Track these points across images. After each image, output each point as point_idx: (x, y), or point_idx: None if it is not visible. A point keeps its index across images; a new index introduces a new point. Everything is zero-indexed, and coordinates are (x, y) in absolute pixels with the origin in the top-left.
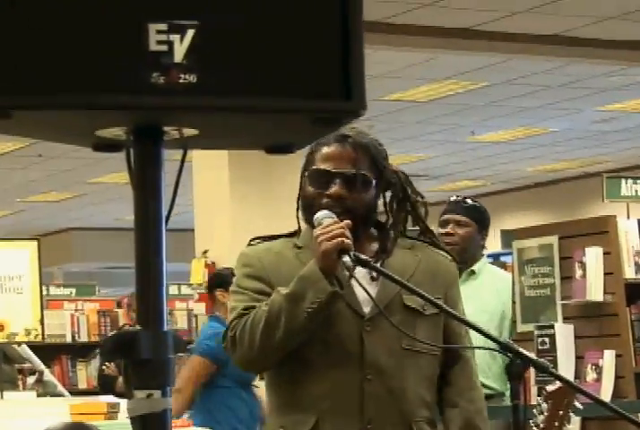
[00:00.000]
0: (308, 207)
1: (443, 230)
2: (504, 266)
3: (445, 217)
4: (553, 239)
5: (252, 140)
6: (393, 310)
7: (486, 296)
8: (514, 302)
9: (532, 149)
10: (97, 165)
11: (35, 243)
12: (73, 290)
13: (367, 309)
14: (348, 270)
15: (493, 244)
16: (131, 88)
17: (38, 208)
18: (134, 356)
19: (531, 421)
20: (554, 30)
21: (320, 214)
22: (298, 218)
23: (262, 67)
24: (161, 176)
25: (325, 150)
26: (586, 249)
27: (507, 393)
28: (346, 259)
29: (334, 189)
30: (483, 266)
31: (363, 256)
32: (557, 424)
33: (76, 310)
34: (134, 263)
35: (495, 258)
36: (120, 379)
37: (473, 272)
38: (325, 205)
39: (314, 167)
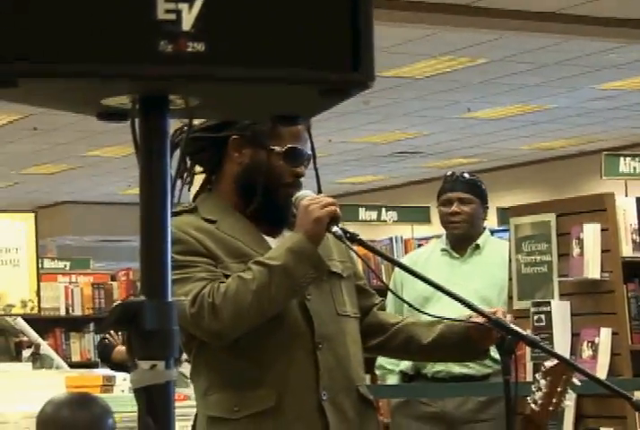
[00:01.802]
0: (270, 180)
1: (448, 210)
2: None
3: (448, 196)
4: (551, 216)
5: (258, 110)
6: (323, 276)
7: (494, 270)
8: (510, 279)
9: (529, 126)
10: (92, 138)
11: (32, 215)
12: (68, 263)
13: None
14: (340, 239)
15: (489, 221)
16: (138, 56)
17: (33, 180)
18: (139, 326)
19: (528, 397)
20: (553, 7)
21: (302, 193)
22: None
23: (270, 37)
24: (167, 145)
25: (292, 128)
26: (584, 226)
27: None
28: (335, 229)
29: (303, 169)
30: (487, 239)
31: (350, 230)
32: (555, 400)
33: (70, 283)
34: (139, 233)
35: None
36: (118, 348)
37: (478, 246)
38: (291, 183)
39: (291, 144)
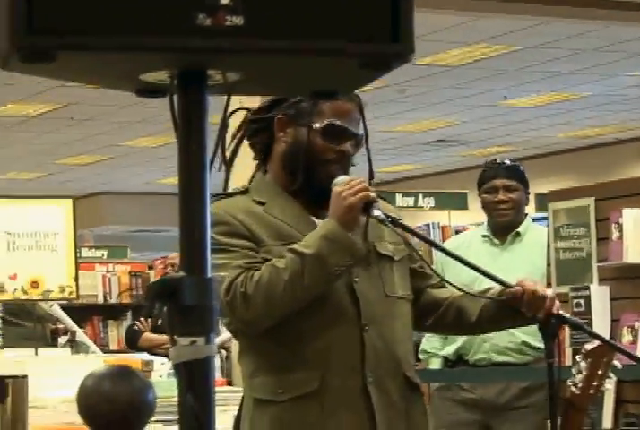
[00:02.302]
0: (311, 158)
1: (494, 198)
2: None
3: (493, 183)
4: (589, 201)
5: (297, 85)
6: (370, 259)
7: (534, 257)
8: (548, 264)
9: (565, 114)
10: (128, 128)
11: (70, 201)
12: (105, 252)
13: None
14: (381, 222)
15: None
16: (176, 30)
17: (68, 171)
18: (178, 301)
19: (569, 380)
20: None
21: (339, 178)
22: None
23: (309, 9)
24: (206, 121)
25: (338, 104)
26: (623, 210)
27: None
28: (377, 212)
29: (347, 147)
30: (528, 226)
31: (391, 213)
32: (595, 383)
33: (108, 271)
34: (179, 209)
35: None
36: (145, 335)
37: (519, 234)
38: (333, 160)
39: (329, 120)
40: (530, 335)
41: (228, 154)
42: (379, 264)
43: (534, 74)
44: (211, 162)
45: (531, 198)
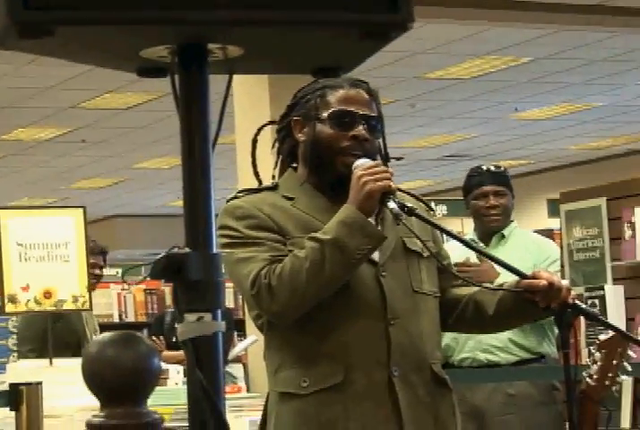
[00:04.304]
0: (325, 150)
1: (486, 203)
2: (551, 233)
3: (483, 189)
4: (601, 201)
5: (298, 61)
6: (398, 254)
7: (516, 261)
8: (562, 266)
9: (577, 125)
10: (140, 150)
11: (80, 211)
12: (119, 270)
13: (376, 254)
14: (396, 216)
15: (540, 215)
16: (174, 2)
17: (82, 195)
18: (184, 277)
19: (584, 372)
20: None
21: (360, 161)
22: (277, 171)
23: None
24: (208, 99)
25: (342, 92)
26: (636, 209)
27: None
28: (393, 205)
29: (360, 131)
30: (512, 230)
31: (408, 204)
32: (610, 374)
33: (122, 290)
34: (182, 186)
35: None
36: (162, 354)
37: (503, 236)
38: (349, 147)
39: (336, 108)
40: (515, 332)
41: (275, 172)
42: (407, 260)
43: (545, 86)
44: (214, 141)
45: (544, 203)
